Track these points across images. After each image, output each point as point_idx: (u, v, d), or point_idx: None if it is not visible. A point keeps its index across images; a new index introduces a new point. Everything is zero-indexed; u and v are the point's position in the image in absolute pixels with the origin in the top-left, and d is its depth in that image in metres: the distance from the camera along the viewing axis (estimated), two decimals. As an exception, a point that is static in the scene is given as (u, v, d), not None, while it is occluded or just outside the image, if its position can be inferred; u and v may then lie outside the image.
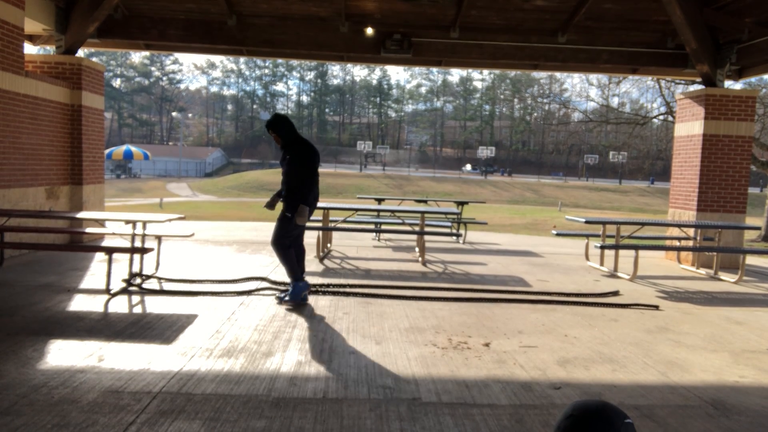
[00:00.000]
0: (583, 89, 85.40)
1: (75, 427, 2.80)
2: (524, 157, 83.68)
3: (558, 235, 9.55)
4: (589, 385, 3.68)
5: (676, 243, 9.14)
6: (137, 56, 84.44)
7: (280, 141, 5.27)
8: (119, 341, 4.11)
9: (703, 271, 8.59)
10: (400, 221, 9.99)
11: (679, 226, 8.20)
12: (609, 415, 1.47)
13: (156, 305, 5.21)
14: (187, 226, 10.55)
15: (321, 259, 8.09)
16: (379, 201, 11.66)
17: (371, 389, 3.44)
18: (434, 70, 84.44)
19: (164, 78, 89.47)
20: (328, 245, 9.01)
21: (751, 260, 10.26)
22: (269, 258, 8.02)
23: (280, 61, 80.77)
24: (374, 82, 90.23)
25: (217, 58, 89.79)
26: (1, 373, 3.43)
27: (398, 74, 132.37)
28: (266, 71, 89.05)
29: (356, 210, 8.97)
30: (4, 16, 6.90)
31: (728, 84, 9.62)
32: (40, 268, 6.76)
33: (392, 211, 9.02)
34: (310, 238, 10.09)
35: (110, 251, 5.68)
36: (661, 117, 24.87)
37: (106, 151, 42.49)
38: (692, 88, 15.96)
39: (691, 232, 8.94)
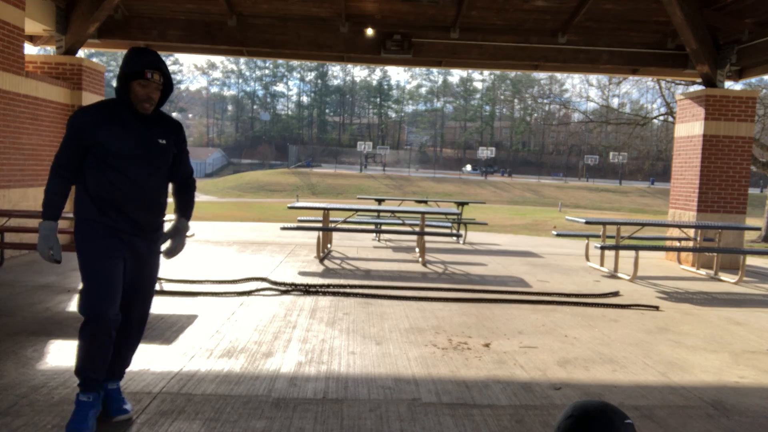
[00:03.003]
0: (583, 90, 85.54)
1: (75, 427, 2.79)
2: (524, 157, 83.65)
3: (558, 235, 9.55)
4: (589, 386, 3.68)
5: (677, 243, 9.14)
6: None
7: (156, 98, 2.78)
8: (119, 341, 4.11)
9: (703, 272, 8.59)
10: (400, 222, 9.99)
11: (680, 226, 8.20)
12: (609, 416, 1.47)
13: (156, 305, 5.18)
14: (188, 227, 10.53)
15: (321, 260, 8.09)
16: (380, 201, 11.66)
17: (371, 390, 3.44)
18: (434, 70, 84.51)
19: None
20: (329, 246, 9.01)
21: (751, 261, 10.26)
22: (269, 258, 8.02)
23: (280, 61, 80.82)
24: (374, 82, 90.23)
25: (217, 59, 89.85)
26: (1, 374, 3.43)
27: (398, 75, 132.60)
28: (266, 72, 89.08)
29: (356, 210, 8.98)
30: (4, 16, 6.91)
31: (728, 85, 9.63)
32: (40, 268, 6.76)
33: (392, 212, 9.02)
34: (310, 239, 10.10)
35: (110, 251, 5.67)
36: (662, 117, 24.89)
37: (107, 152, 42.39)
38: (692, 88, 15.96)
39: (691, 232, 8.93)
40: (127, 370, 3.56)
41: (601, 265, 8.32)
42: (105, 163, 2.70)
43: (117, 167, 2.71)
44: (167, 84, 2.84)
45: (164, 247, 3.07)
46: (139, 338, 3.06)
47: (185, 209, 3.13)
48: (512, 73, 77.26)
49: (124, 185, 2.73)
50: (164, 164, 2.88)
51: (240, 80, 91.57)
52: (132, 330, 2.95)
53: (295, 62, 75.59)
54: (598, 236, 8.78)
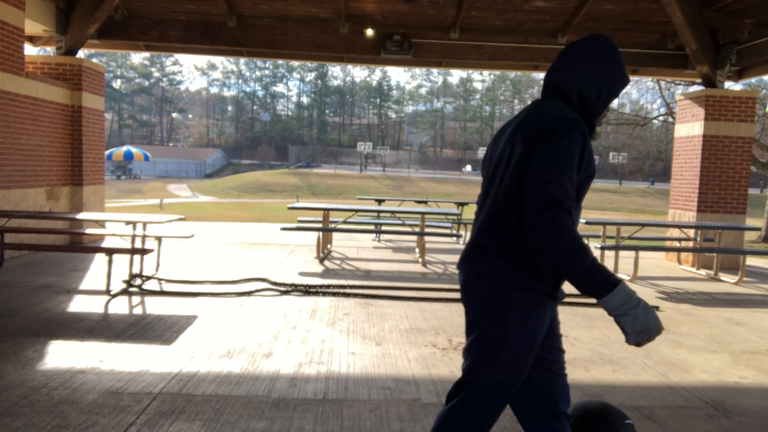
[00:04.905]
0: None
1: (75, 428, 2.80)
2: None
3: (558, 235, 9.52)
4: (589, 386, 3.67)
5: (677, 244, 9.14)
6: (137, 57, 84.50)
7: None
8: (119, 342, 4.11)
9: (703, 272, 8.59)
10: (400, 222, 9.99)
11: (680, 227, 8.20)
12: (609, 416, 1.47)
13: (156, 306, 5.21)
14: (187, 227, 10.54)
15: (321, 260, 8.09)
16: (380, 202, 11.67)
17: (371, 390, 3.44)
18: (434, 71, 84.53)
19: (164, 79, 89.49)
20: (329, 246, 9.01)
21: (751, 261, 10.25)
22: (269, 258, 8.01)
23: (280, 62, 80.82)
24: (374, 83, 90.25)
25: (217, 59, 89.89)
26: (1, 374, 3.43)
27: (398, 75, 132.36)
28: (266, 72, 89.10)
29: (356, 211, 8.97)
30: (4, 17, 6.91)
31: (728, 85, 9.63)
32: (40, 269, 6.76)
33: (392, 212, 9.02)
34: (310, 239, 10.10)
35: (110, 252, 5.68)
36: (661, 118, 24.89)
37: (107, 152, 42.52)
38: (692, 89, 15.97)
39: (691, 233, 8.93)
40: (127, 370, 3.57)
41: (601, 265, 8.30)
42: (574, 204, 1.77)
43: (577, 210, 1.81)
44: None
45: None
46: None
47: None
48: (512, 74, 77.28)
49: None
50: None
51: (240, 81, 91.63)
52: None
53: (295, 63, 75.61)
54: (598, 236, 8.77)
